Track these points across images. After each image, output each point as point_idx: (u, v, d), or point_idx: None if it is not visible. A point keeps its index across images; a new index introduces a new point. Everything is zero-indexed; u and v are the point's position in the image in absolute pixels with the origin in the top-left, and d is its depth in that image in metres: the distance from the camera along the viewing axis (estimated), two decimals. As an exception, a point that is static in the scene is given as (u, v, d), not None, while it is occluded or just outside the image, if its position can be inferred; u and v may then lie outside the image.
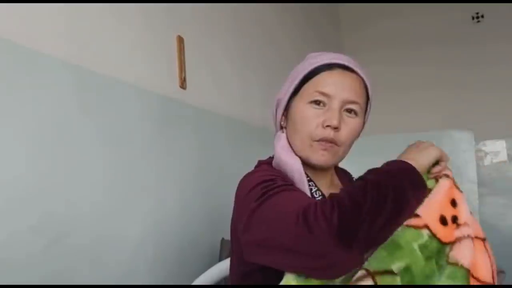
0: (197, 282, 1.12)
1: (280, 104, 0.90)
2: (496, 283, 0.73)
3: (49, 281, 0.87)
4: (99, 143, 1.04)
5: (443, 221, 0.72)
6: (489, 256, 0.74)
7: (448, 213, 0.74)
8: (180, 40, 1.41)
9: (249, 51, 1.95)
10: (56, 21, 0.97)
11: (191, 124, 1.42)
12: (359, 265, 0.69)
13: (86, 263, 0.97)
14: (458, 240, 0.72)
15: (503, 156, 2.80)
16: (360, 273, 0.68)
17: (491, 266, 0.73)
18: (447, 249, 0.72)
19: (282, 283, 0.71)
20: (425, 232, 0.70)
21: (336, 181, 0.94)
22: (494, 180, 2.76)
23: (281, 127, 0.91)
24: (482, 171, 2.74)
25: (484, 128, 2.72)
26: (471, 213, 0.78)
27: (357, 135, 0.86)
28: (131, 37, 1.21)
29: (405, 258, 0.68)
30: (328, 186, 0.89)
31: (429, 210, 0.72)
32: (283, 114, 0.90)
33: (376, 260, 0.69)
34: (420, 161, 0.75)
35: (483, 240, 0.76)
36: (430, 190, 0.76)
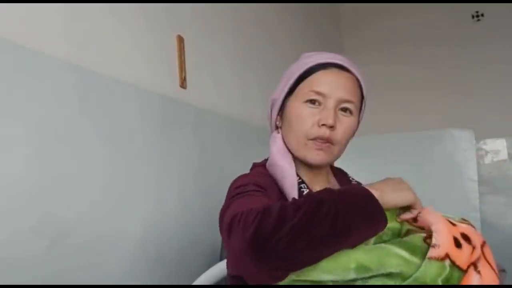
0: (197, 282, 1.12)
1: (275, 104, 0.90)
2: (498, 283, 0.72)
3: (50, 281, 0.87)
4: (99, 143, 1.04)
5: (456, 243, 0.69)
6: (489, 263, 0.73)
7: (456, 232, 0.71)
8: (180, 40, 1.41)
9: (249, 51, 1.94)
10: (56, 21, 0.97)
11: (191, 124, 1.42)
12: (278, 281, 0.63)
13: (86, 263, 0.97)
14: (469, 271, 0.69)
15: (503, 155, 2.81)
16: None
17: (493, 271, 0.72)
18: (461, 276, 0.68)
19: None
20: (447, 263, 0.66)
21: (333, 180, 0.94)
22: (495, 178, 2.76)
23: (276, 127, 0.91)
24: (482, 169, 2.74)
25: (484, 127, 2.71)
26: (464, 219, 0.76)
27: (352, 134, 0.87)
28: (131, 37, 1.21)
29: None
30: (324, 185, 0.89)
31: (443, 237, 0.69)
32: (278, 114, 0.90)
33: None
34: (387, 196, 0.67)
35: (482, 245, 0.75)
36: (418, 230, 0.73)
